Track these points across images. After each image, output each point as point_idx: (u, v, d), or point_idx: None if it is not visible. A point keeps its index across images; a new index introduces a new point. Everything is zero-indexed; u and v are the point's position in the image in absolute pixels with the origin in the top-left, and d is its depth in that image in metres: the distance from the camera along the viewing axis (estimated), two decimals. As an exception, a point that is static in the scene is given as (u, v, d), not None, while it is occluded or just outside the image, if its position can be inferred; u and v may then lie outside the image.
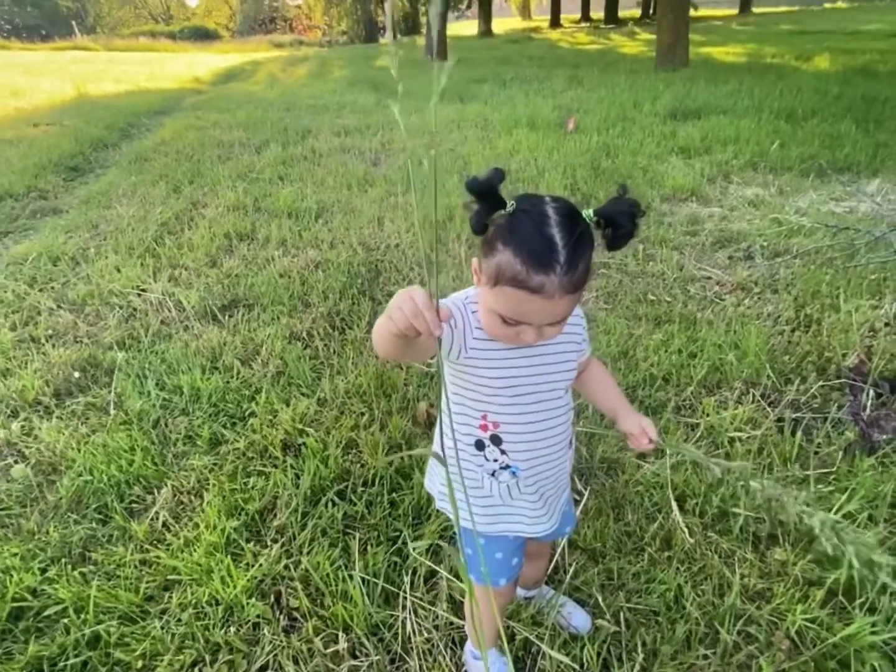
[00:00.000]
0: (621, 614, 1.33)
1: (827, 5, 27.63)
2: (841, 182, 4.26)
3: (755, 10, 28.61)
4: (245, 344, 2.45)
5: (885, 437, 1.72)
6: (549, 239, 0.76)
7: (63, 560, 1.50)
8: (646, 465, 1.73)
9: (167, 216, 3.84)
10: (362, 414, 1.99)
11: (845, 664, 1.21)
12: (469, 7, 35.84)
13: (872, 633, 1.23)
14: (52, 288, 3.01)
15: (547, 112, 6.45)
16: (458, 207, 3.84)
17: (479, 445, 0.98)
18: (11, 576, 1.43)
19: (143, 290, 2.93)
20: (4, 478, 1.80)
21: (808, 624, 1.27)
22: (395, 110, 0.55)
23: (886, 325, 2.27)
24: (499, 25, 28.58)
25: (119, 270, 3.11)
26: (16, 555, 1.50)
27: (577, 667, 1.21)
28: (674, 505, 1.58)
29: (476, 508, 1.02)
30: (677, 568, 1.42)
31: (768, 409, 1.93)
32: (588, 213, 0.79)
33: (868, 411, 1.83)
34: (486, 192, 0.75)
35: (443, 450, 0.85)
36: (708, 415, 1.92)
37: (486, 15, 26.55)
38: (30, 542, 1.56)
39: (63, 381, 2.25)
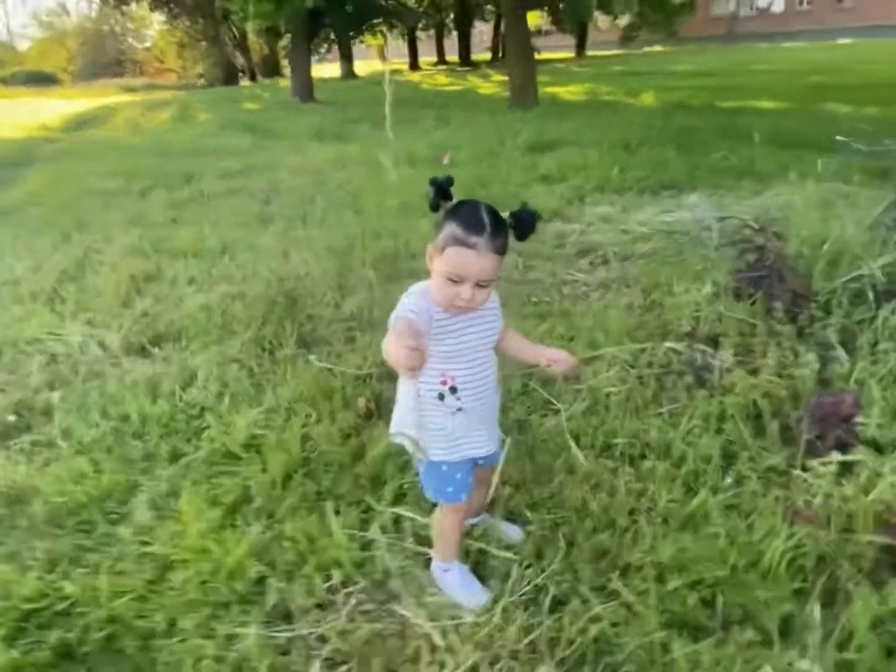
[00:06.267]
0: (545, 522, 1.75)
1: (646, 49, 31.82)
2: (668, 197, 5.22)
3: (589, 53, 32.30)
4: (181, 371, 2.62)
5: (711, 376, 2.33)
6: (480, 217, 1.23)
7: (58, 568, 1.63)
8: (547, 421, 2.20)
9: (65, 264, 3.82)
10: (309, 415, 2.28)
11: (697, 527, 1.71)
12: (329, 51, 36.75)
13: (714, 499, 1.76)
14: (-45, 345, 2.94)
15: (422, 149, 7.06)
16: (358, 237, 4.22)
17: (441, 397, 1.37)
18: (11, 588, 1.55)
19: (60, 335, 2.97)
20: (-33, 515, 1.86)
21: (672, 504, 1.78)
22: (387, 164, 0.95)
23: (707, 301, 2.98)
24: (360, 68, 29.60)
25: (27, 319, 3.10)
26: (6, 571, 1.61)
27: (518, 559, 1.61)
28: (571, 443, 2.05)
29: (441, 443, 1.40)
30: (580, 485, 1.88)
31: (631, 370, 2.50)
32: (505, 213, 1.27)
33: (699, 361, 2.45)
34: (442, 186, 1.26)
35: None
36: (589, 379, 2.44)
37: (347, 57, 27.48)
38: (15, 561, 1.67)
39: (-1, 425, 2.29)
